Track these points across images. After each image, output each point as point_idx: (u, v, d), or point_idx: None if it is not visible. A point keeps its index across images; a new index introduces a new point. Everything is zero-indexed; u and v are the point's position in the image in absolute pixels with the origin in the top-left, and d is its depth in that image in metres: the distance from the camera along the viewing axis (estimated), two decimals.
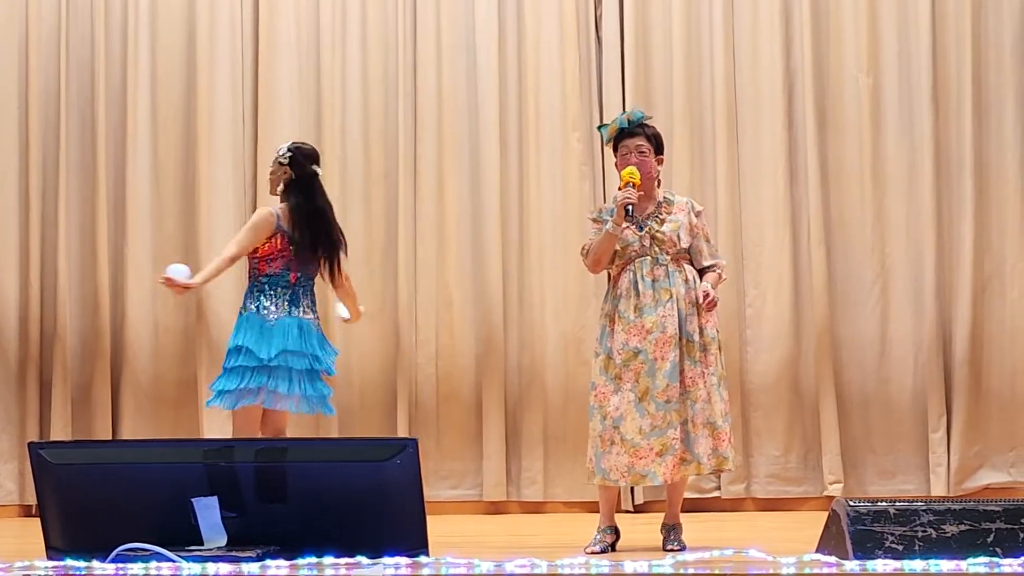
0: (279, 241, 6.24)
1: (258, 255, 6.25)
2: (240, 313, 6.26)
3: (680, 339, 5.75)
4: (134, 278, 8.05)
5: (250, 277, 6.31)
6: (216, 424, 7.81)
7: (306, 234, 6.24)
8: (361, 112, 8.14)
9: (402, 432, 7.83)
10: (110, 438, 7.87)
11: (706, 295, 5.75)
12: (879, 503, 4.47)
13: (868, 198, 7.98)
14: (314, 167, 6.37)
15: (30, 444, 4.70)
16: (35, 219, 8.01)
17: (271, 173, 6.41)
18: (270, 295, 6.23)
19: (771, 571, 4.22)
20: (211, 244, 7.91)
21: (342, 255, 6.37)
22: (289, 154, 6.34)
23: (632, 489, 7.68)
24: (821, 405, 7.84)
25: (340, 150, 8.10)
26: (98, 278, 7.98)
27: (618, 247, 5.82)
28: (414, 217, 8.05)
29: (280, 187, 6.34)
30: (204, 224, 8.00)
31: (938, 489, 7.75)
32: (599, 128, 6.14)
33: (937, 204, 7.90)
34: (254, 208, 7.80)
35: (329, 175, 7.97)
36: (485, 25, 8.10)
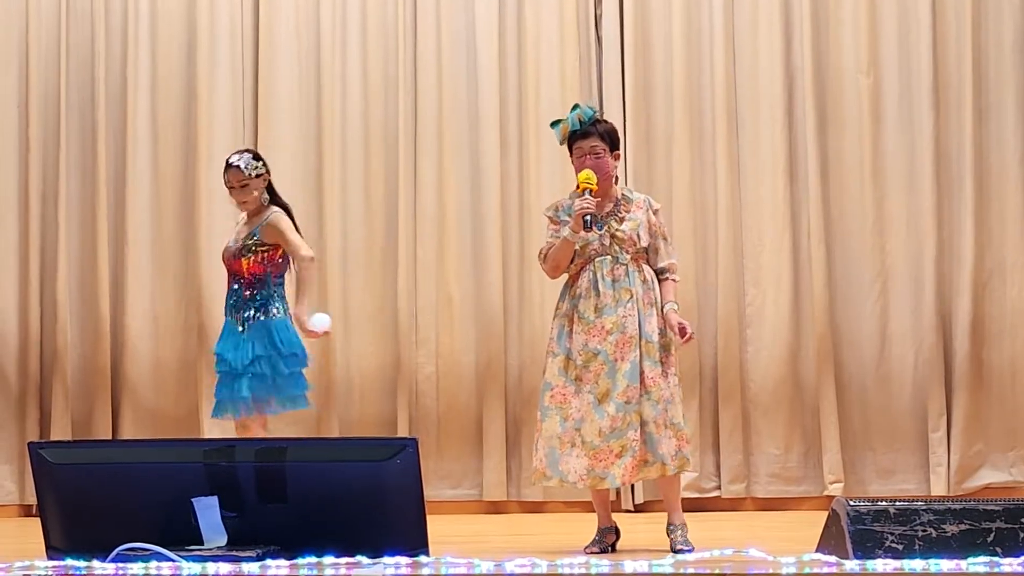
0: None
1: (278, 258, 6.31)
2: (273, 317, 6.29)
3: (640, 339, 5.68)
4: (134, 280, 8.05)
5: (263, 282, 6.33)
6: (216, 434, 7.82)
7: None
8: (361, 112, 8.14)
9: (402, 432, 7.83)
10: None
11: (682, 330, 5.69)
12: (879, 502, 4.47)
13: (868, 196, 7.98)
14: None
15: (30, 444, 4.70)
16: (35, 221, 8.00)
17: (246, 187, 6.34)
18: (284, 296, 6.38)
19: (771, 571, 4.21)
20: (211, 246, 7.91)
21: None
22: (261, 162, 6.42)
23: (632, 488, 7.68)
24: (821, 404, 7.84)
25: (340, 150, 8.10)
26: (98, 279, 7.98)
27: (577, 247, 5.74)
28: (414, 216, 8.05)
29: (264, 195, 6.41)
30: (204, 226, 8.00)
31: (938, 489, 7.75)
32: (552, 125, 5.96)
33: (937, 202, 7.90)
34: None
35: (329, 175, 8.02)
36: (485, 24, 8.10)
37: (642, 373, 5.66)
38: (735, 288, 7.95)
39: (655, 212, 5.88)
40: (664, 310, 5.76)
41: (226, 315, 6.35)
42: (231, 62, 8.14)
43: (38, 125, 8.05)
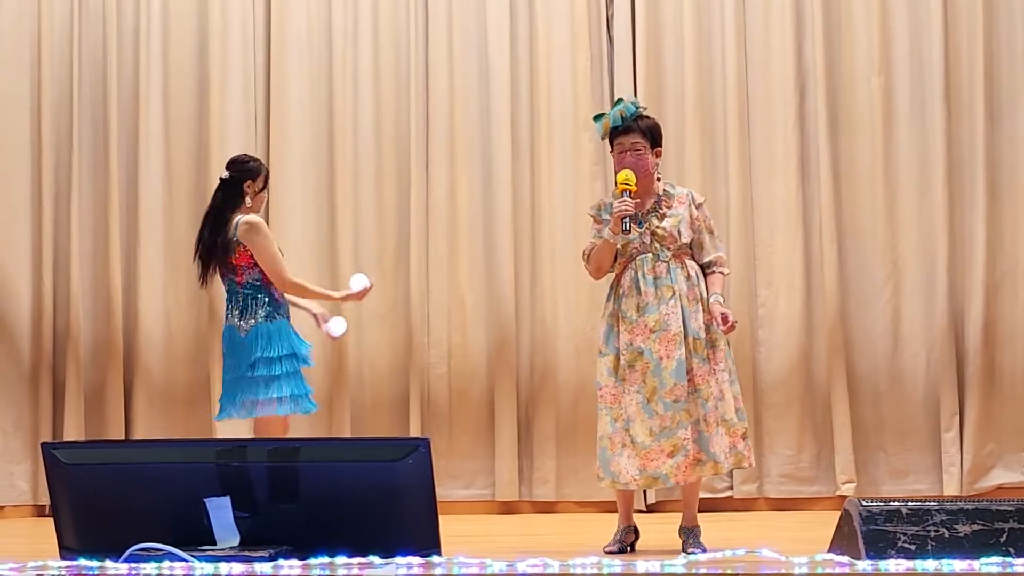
0: None
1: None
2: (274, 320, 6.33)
3: (685, 337, 5.62)
4: (146, 280, 8.07)
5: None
6: (228, 423, 7.81)
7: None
8: (373, 113, 8.15)
9: (414, 432, 7.84)
10: (123, 438, 7.90)
11: (725, 318, 5.61)
12: (892, 503, 4.46)
13: (880, 197, 7.97)
14: (226, 174, 6.36)
15: (43, 444, 4.71)
16: (48, 221, 8.02)
17: None
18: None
19: (783, 571, 4.21)
20: None
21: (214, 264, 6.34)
22: None
23: (645, 489, 7.67)
24: (833, 405, 7.84)
25: (352, 151, 8.11)
26: (110, 280, 8.00)
27: (619, 246, 5.70)
28: (426, 217, 8.06)
29: None
30: None
31: (951, 489, 7.74)
32: (594, 119, 5.91)
33: (949, 203, 7.89)
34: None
35: (341, 176, 8.02)
36: (496, 25, 8.10)
37: (691, 371, 5.61)
38: (747, 289, 7.95)
39: (699, 206, 5.80)
40: (709, 302, 5.69)
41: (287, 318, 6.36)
42: (243, 63, 8.15)
43: (51, 126, 8.07)
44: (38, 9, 8.09)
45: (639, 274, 5.68)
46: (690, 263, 5.75)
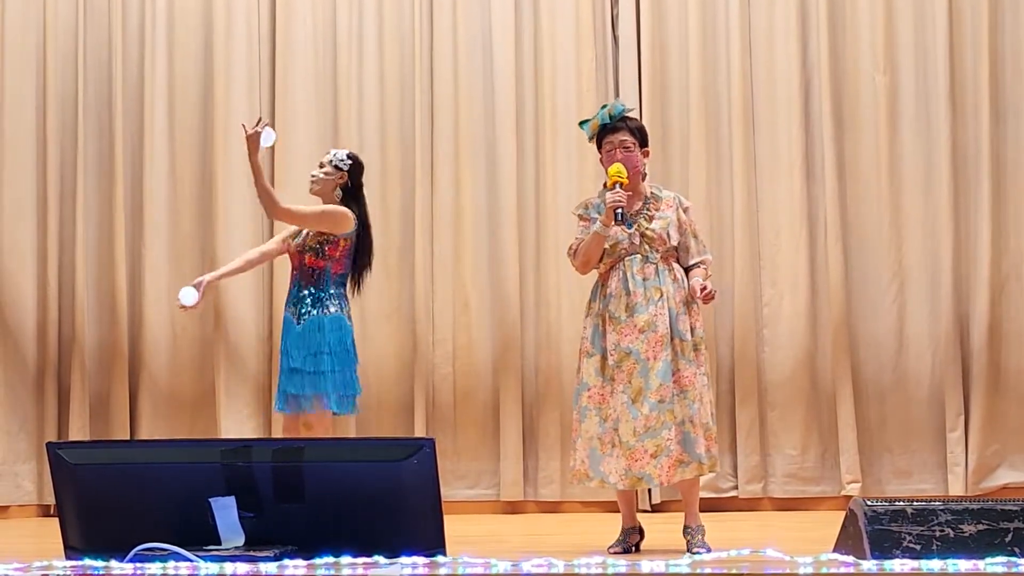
0: (351, 241, 6.17)
1: (338, 254, 6.17)
2: (328, 314, 6.13)
3: (672, 338, 5.65)
4: (152, 279, 8.07)
5: (322, 277, 6.17)
6: (234, 428, 7.83)
7: (368, 243, 6.24)
8: (378, 112, 8.15)
9: (419, 432, 7.84)
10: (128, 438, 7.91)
11: (703, 288, 5.64)
12: (897, 502, 4.46)
13: (885, 197, 7.97)
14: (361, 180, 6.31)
15: (48, 444, 4.71)
16: (53, 221, 8.02)
17: (325, 174, 6.21)
18: (344, 295, 6.19)
19: (788, 571, 4.21)
20: (228, 245, 7.93)
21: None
22: (350, 161, 6.24)
23: (649, 489, 7.67)
24: (838, 404, 7.83)
25: (356, 150, 8.06)
26: (116, 279, 8.00)
27: (607, 245, 5.72)
28: (431, 217, 8.06)
29: (337, 192, 6.21)
30: (221, 225, 8.01)
31: (956, 489, 7.74)
32: (580, 124, 5.96)
33: (954, 202, 7.89)
34: None
35: None
36: (501, 24, 8.11)
37: (678, 372, 5.64)
38: (752, 288, 7.95)
39: (685, 210, 5.84)
40: (690, 282, 5.72)
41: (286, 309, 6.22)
42: (247, 62, 8.15)
43: (55, 125, 8.07)
44: (43, 7, 8.09)
45: (628, 274, 5.71)
46: (676, 266, 5.80)
